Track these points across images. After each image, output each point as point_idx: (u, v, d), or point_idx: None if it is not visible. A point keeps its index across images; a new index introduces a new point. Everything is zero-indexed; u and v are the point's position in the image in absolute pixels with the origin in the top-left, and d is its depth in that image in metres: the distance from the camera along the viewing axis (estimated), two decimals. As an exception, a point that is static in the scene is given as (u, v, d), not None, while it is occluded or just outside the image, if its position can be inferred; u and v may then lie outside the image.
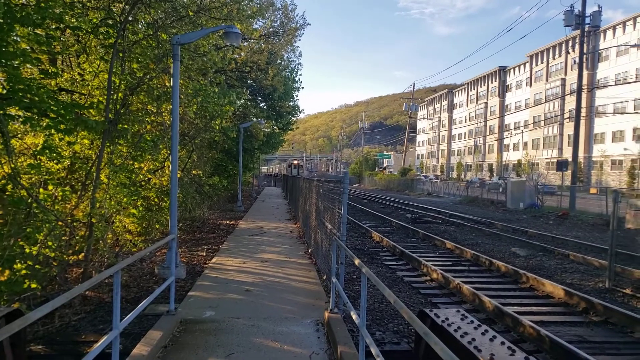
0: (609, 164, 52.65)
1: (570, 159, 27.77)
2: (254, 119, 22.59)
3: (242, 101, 21.87)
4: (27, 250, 5.59)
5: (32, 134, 7.17)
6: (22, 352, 3.49)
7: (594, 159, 54.87)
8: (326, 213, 7.86)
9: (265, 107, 24.94)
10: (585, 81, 37.17)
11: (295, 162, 77.20)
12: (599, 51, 54.39)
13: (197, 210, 15.59)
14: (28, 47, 6.79)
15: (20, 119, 6.07)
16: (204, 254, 10.42)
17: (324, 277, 7.71)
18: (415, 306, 7.23)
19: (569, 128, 52.86)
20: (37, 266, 5.59)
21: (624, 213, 15.90)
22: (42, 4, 6.30)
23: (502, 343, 3.36)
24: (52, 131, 6.52)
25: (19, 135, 7.10)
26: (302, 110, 28.49)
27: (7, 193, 5.77)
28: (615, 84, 49.49)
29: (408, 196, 42.10)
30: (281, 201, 28.37)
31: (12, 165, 5.70)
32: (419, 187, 49.57)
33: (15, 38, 6.25)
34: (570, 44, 54.77)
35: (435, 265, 9.94)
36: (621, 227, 14.75)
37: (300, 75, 26.29)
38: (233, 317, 5.81)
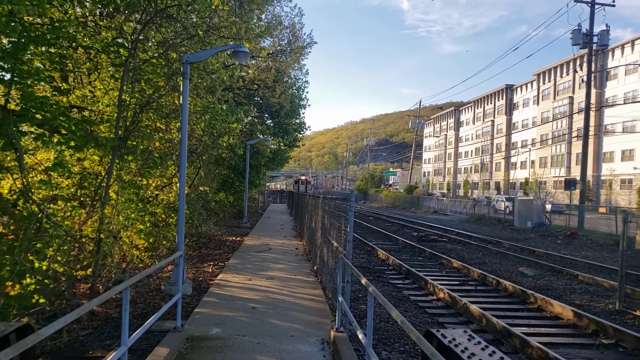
0: (618, 183, 52.24)
1: (578, 178, 27.62)
2: (261, 136, 22.78)
3: (249, 118, 22.09)
4: (37, 265, 5.64)
5: (44, 150, 7.29)
6: (30, 367, 3.50)
7: (603, 177, 54.47)
8: (332, 230, 7.86)
9: (271, 124, 25.17)
10: (593, 99, 37.15)
11: (303, 177, 72.09)
12: (608, 70, 54.47)
13: (203, 226, 15.63)
14: (41, 66, 6.96)
15: (33, 135, 6.20)
16: (210, 270, 10.42)
17: (330, 295, 7.68)
18: (422, 326, 7.15)
19: (577, 146, 52.68)
20: (46, 281, 5.63)
21: (634, 233, 15.72)
22: (57, 24, 6.48)
23: (510, 365, 3.32)
24: (63, 147, 6.64)
25: (31, 151, 7.22)
26: (308, 127, 28.72)
27: (18, 208, 5.86)
28: (624, 103, 49.44)
29: (414, 214, 41.94)
30: (287, 218, 28.37)
31: (24, 181, 5.79)
32: (425, 205, 49.41)
33: (29, 57, 6.41)
34: (578, 62, 55.17)
35: (442, 284, 9.86)
36: (631, 247, 14.57)
37: (307, 92, 26.63)
38: (239, 335, 5.79)
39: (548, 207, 27.61)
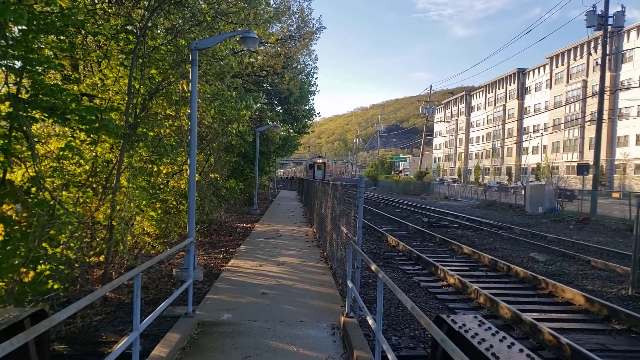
0: (632, 167, 51.38)
1: (591, 163, 27.20)
2: (270, 123, 22.74)
3: (259, 105, 22.05)
4: (50, 252, 5.73)
5: (55, 138, 7.35)
6: (46, 352, 3.57)
7: (616, 162, 53.61)
8: (342, 217, 7.85)
9: (281, 111, 25.09)
10: (607, 83, 36.36)
11: (319, 160, 54.02)
12: (623, 52, 53.15)
13: (214, 213, 15.75)
14: (51, 54, 6.98)
15: (43, 118, 6.22)
16: (221, 256, 10.51)
17: (340, 281, 7.71)
18: (432, 311, 7.16)
19: (590, 131, 51.68)
20: (61, 266, 5.72)
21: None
22: (66, 11, 6.47)
23: (521, 350, 3.30)
24: (75, 134, 6.68)
25: (43, 140, 7.28)
26: (318, 113, 28.62)
27: (31, 195, 5.93)
28: (640, 86, 48.35)
29: (424, 200, 41.79)
30: (296, 204, 28.43)
31: (37, 169, 5.85)
32: (436, 191, 49.16)
33: (39, 45, 6.42)
34: (592, 45, 53.70)
35: (452, 270, 9.84)
36: (645, 232, 14.38)
37: (316, 78, 26.25)
38: (250, 320, 5.84)
39: (560, 192, 27.26)
